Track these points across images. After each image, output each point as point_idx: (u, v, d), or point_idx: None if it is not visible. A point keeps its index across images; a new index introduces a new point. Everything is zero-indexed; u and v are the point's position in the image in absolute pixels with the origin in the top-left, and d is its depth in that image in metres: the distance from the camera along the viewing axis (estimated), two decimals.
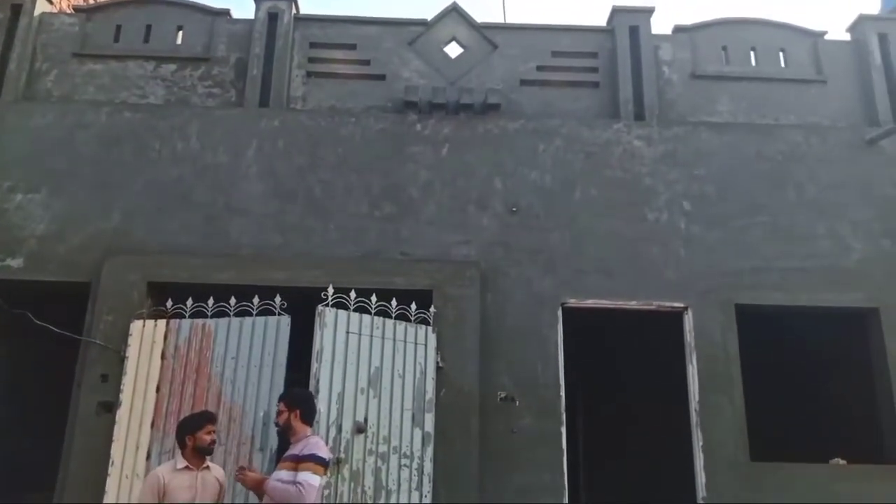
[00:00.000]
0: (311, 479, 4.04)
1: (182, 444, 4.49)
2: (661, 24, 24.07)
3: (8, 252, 6.63)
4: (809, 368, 8.12)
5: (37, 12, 7.53)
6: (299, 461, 4.14)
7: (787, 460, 6.41)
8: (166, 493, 4.27)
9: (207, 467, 4.54)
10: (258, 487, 4.28)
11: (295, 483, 4.03)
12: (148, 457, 5.77)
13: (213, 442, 4.57)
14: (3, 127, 7.06)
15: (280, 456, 4.61)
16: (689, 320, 6.61)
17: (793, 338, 7.69)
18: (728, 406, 6.37)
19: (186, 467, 4.41)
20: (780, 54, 7.79)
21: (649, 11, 7.75)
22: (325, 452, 4.25)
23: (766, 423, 6.80)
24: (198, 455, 4.47)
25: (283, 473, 4.17)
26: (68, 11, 8.23)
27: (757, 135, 7.24)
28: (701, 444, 6.28)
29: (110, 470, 5.78)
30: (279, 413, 4.50)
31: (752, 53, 7.79)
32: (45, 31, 7.60)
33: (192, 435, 4.45)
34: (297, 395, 4.58)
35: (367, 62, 7.59)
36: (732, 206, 6.97)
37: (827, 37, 7.89)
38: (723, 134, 7.25)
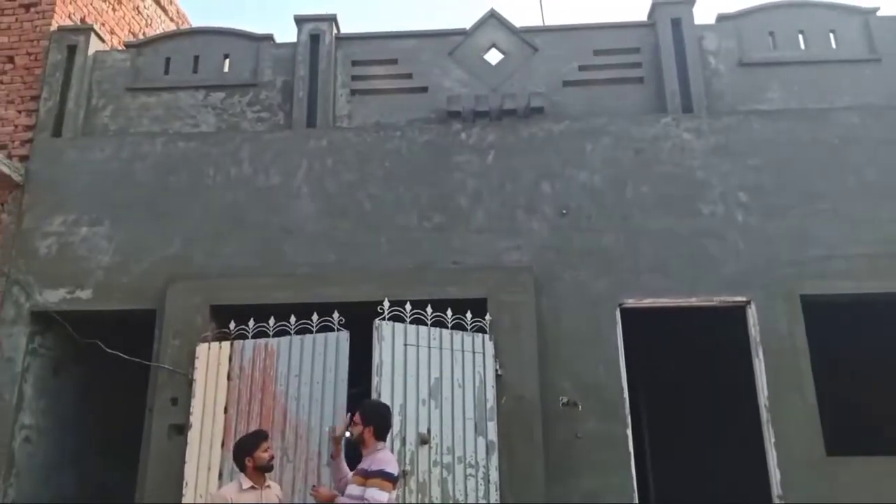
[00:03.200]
0: (379, 496, 4.08)
1: (241, 466, 4.58)
2: (703, 14, 23.74)
3: (76, 284, 6.89)
4: (883, 358, 7.83)
5: (91, 51, 7.82)
6: (368, 476, 4.17)
7: (865, 454, 6.20)
8: None
9: (269, 486, 4.65)
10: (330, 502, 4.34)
11: (363, 499, 4.07)
12: (220, 476, 5.92)
13: (272, 458, 4.68)
14: (65, 163, 7.35)
15: (351, 467, 4.66)
16: (752, 314, 6.45)
17: (863, 327, 7.44)
18: (799, 400, 6.18)
19: (252, 487, 4.51)
20: (831, 35, 7.55)
21: (691, 2, 7.61)
22: (393, 467, 4.27)
23: (841, 416, 6.58)
24: (259, 473, 4.57)
25: (354, 488, 4.22)
26: (120, 48, 8.52)
27: (811, 120, 7.04)
28: (773, 440, 6.12)
29: (185, 490, 5.94)
30: (354, 424, 4.53)
31: (800, 37, 7.56)
32: (99, 68, 7.88)
33: (251, 455, 4.55)
34: (374, 411, 4.55)
35: (408, 75, 7.66)
36: (790, 194, 6.78)
37: (879, 13, 7.62)
38: (775, 121, 7.06)
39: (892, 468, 6.07)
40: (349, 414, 4.80)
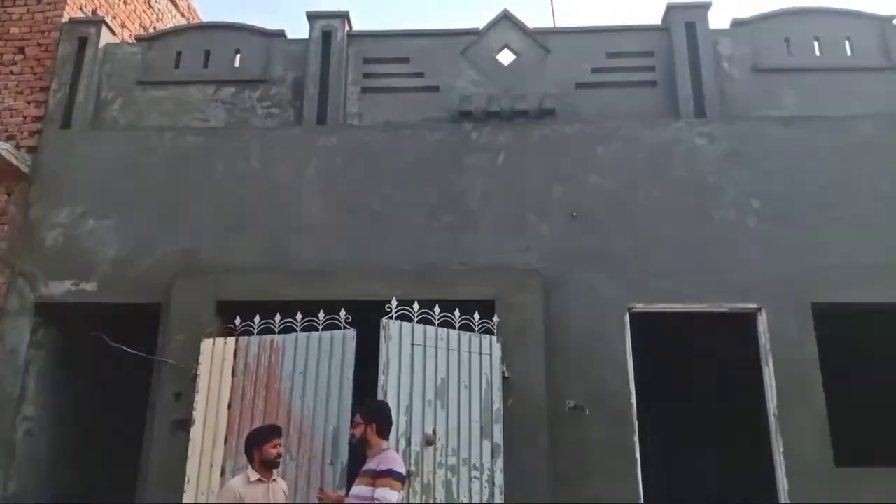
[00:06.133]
0: (389, 496, 4.03)
1: (250, 458, 4.58)
2: (718, 19, 23.69)
3: (82, 276, 6.85)
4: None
5: (101, 43, 7.79)
6: (377, 476, 4.12)
7: (876, 466, 6.13)
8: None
9: (275, 480, 4.63)
10: None
11: (373, 499, 4.02)
12: (222, 473, 5.83)
13: (279, 455, 4.63)
14: (74, 155, 7.31)
15: (352, 469, 4.61)
16: (762, 322, 6.39)
17: (876, 336, 7.36)
18: (808, 410, 6.12)
19: (259, 479, 4.49)
20: (846, 43, 7.50)
21: (706, 6, 7.58)
22: (401, 467, 4.23)
23: (851, 427, 6.50)
24: (265, 468, 4.54)
25: (361, 489, 4.16)
26: (131, 41, 8.49)
27: (826, 127, 6.98)
28: (781, 450, 6.05)
29: (186, 487, 5.86)
30: (356, 425, 4.48)
31: (815, 44, 7.51)
32: (110, 60, 7.85)
33: (259, 448, 4.54)
34: (375, 409, 4.53)
35: (420, 74, 7.61)
36: (804, 202, 6.72)
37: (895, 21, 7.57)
38: (790, 128, 7.01)
39: None
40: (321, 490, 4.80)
